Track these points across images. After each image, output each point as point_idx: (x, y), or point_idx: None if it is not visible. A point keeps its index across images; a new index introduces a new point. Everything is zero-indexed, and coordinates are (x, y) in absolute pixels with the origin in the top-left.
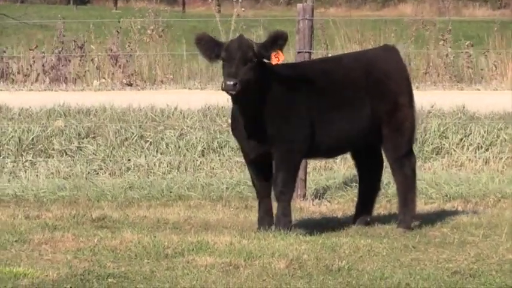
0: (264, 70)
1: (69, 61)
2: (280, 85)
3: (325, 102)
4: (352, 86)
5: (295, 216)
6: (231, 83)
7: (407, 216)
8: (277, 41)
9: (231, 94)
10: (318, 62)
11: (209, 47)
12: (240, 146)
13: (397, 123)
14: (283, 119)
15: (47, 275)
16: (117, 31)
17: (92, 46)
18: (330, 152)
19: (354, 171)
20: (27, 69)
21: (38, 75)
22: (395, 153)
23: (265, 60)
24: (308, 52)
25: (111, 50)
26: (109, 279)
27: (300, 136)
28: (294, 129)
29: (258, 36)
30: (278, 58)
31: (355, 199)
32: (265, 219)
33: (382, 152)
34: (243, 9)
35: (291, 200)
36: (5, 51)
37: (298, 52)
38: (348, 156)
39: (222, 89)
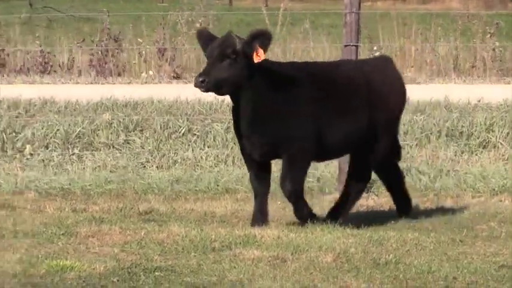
0: (257, 68)
1: (117, 54)
2: (281, 83)
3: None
4: (353, 91)
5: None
6: (200, 79)
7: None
8: (258, 38)
9: (202, 91)
10: (320, 63)
11: (205, 42)
12: (240, 145)
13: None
14: (289, 118)
15: (94, 268)
16: (161, 24)
17: (139, 39)
18: (334, 153)
19: (402, 165)
20: (73, 62)
21: (85, 68)
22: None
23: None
24: (355, 45)
25: (159, 43)
26: (156, 273)
27: (309, 135)
28: (302, 128)
29: (304, 29)
30: (259, 57)
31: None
32: (259, 217)
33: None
34: (289, 3)
35: (302, 196)
36: (41, 47)
37: (345, 46)
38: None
39: (194, 85)
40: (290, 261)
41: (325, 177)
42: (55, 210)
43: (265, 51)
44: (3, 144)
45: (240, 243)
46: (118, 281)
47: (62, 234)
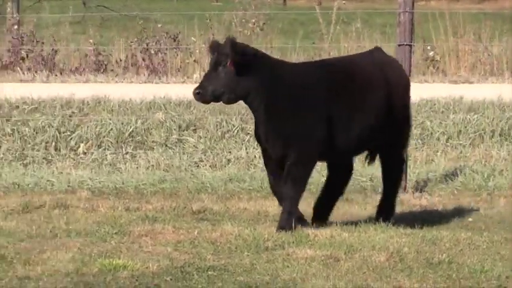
0: (266, 71)
1: (171, 53)
2: (293, 85)
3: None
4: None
5: (396, 209)
6: (196, 91)
7: None
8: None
9: (202, 103)
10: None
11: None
12: (261, 149)
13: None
14: (296, 120)
15: (147, 267)
16: (207, 23)
17: (192, 38)
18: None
19: (455, 164)
20: (127, 61)
21: (138, 67)
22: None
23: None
24: (409, 45)
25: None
26: (209, 272)
27: (313, 138)
28: (307, 131)
29: (357, 29)
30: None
31: (456, 192)
32: (301, 220)
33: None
34: (343, 2)
35: (298, 200)
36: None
37: (399, 45)
38: (449, 149)
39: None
40: (343, 260)
41: (378, 177)
42: (108, 209)
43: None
44: (56, 143)
45: (293, 242)
46: (171, 280)
47: (115, 233)
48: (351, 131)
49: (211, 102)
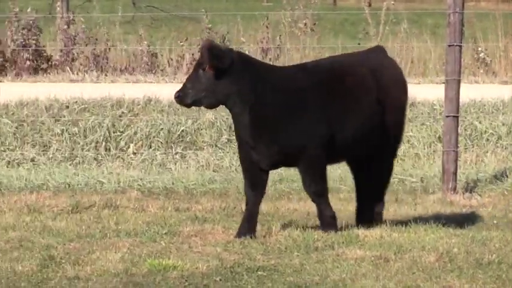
0: (253, 76)
1: None
2: (282, 89)
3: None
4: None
5: (446, 210)
6: (176, 94)
7: None
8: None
9: (183, 106)
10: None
11: None
12: (241, 152)
13: None
14: (291, 124)
15: (196, 268)
16: (264, 23)
17: (242, 39)
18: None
19: (505, 165)
20: (177, 61)
21: (188, 67)
22: None
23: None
24: (459, 45)
25: (262, 43)
26: (259, 272)
27: (315, 139)
28: (307, 132)
29: (405, 29)
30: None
31: (506, 193)
32: (245, 227)
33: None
34: (392, 2)
35: (327, 197)
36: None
37: (449, 45)
38: (498, 149)
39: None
40: (393, 261)
41: (429, 177)
42: (158, 210)
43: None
44: (106, 143)
45: (343, 242)
46: (221, 280)
47: (165, 233)
48: (344, 133)
49: (193, 107)
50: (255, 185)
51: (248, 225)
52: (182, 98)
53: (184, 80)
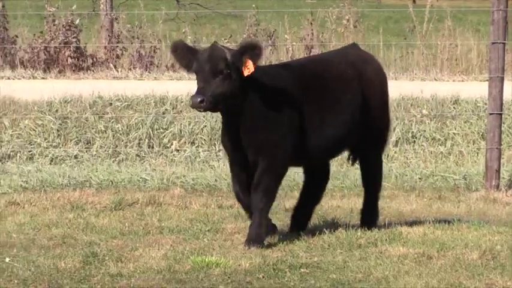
0: (245, 79)
1: (265, 50)
2: (267, 92)
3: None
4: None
5: (489, 207)
6: (198, 100)
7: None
8: (248, 50)
9: (199, 111)
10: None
11: (184, 55)
12: (229, 158)
13: None
14: (268, 126)
15: (239, 265)
16: (308, 20)
17: (286, 36)
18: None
19: None
20: None
21: None
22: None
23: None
24: (502, 43)
25: (306, 40)
26: (301, 269)
27: (284, 144)
28: (278, 137)
29: (448, 27)
30: (248, 69)
31: None
32: (272, 228)
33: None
34: (436, 0)
35: (268, 211)
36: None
37: (493, 43)
38: None
39: (190, 106)
40: (436, 258)
41: (472, 175)
42: (201, 207)
43: (255, 63)
44: (149, 140)
45: (386, 240)
46: (263, 277)
47: (208, 230)
48: (325, 133)
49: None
50: (246, 189)
51: (271, 226)
52: (206, 103)
53: (200, 83)
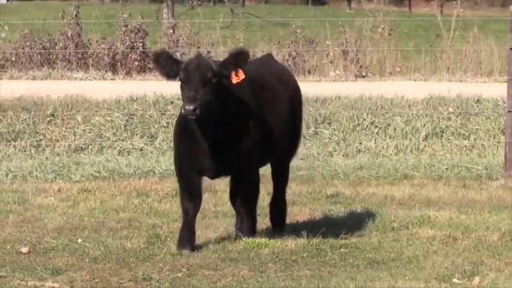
0: (225, 89)
1: (306, 55)
2: (241, 101)
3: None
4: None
5: (508, 194)
6: (191, 108)
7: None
8: (237, 59)
9: (190, 119)
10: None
11: (167, 65)
12: (185, 163)
13: None
14: (250, 135)
15: (286, 245)
16: (342, 28)
17: (327, 42)
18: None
19: None
20: None
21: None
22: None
23: None
24: None
25: (344, 46)
26: (341, 249)
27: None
28: (259, 144)
29: (474, 34)
30: (238, 77)
31: None
32: (189, 241)
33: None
34: (462, 10)
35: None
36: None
37: (510, 48)
38: None
39: (183, 114)
40: (460, 239)
41: (493, 165)
42: None
43: (243, 70)
44: None
45: (416, 223)
46: (307, 256)
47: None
48: (274, 142)
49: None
50: (195, 197)
51: (189, 236)
52: (200, 112)
53: (191, 92)
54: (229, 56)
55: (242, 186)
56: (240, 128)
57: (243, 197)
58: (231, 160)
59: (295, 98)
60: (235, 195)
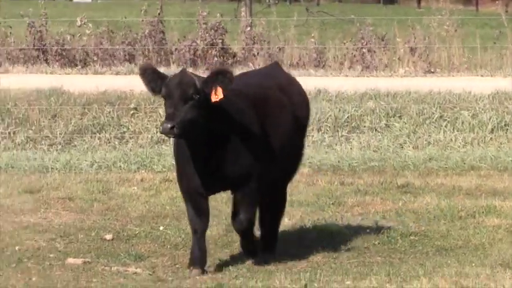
0: (215, 106)
1: (378, 52)
2: (236, 119)
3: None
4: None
5: None
6: (168, 126)
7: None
8: (218, 77)
9: (169, 137)
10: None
11: (152, 79)
12: (188, 182)
13: None
14: (249, 154)
15: (358, 233)
16: (411, 26)
17: (397, 39)
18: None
19: None
20: (342, 58)
21: (352, 63)
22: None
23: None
24: None
25: (412, 42)
26: (411, 237)
27: (263, 169)
28: (260, 163)
29: None
30: (217, 95)
31: None
32: (200, 260)
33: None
34: None
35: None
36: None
37: None
38: None
39: (160, 132)
40: None
41: None
42: (326, 184)
43: (224, 90)
44: None
45: (483, 212)
46: (378, 243)
47: (332, 203)
48: (273, 159)
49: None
50: (201, 215)
51: (200, 255)
52: (177, 129)
53: (170, 109)
54: (211, 73)
55: (240, 207)
56: (235, 148)
57: (239, 223)
58: (226, 180)
59: (299, 112)
60: (235, 216)
